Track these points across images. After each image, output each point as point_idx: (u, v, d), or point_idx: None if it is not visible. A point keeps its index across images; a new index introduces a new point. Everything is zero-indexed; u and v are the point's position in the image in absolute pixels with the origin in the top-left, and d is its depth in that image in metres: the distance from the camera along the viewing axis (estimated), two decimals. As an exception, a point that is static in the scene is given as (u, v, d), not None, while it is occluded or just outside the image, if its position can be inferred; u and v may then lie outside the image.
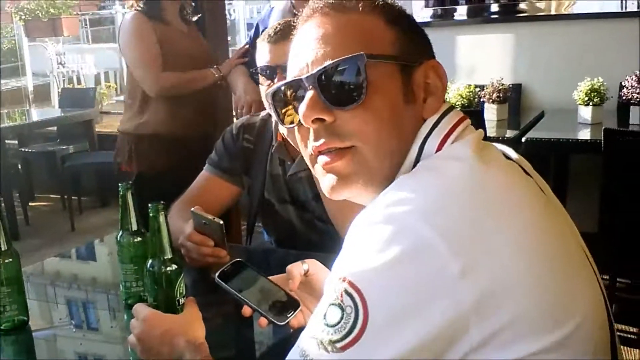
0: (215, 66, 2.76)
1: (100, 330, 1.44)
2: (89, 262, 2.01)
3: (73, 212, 5.18)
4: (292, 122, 0.92)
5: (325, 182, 0.89)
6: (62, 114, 5.73)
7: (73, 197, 5.28)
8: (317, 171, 0.91)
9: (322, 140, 0.86)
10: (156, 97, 2.74)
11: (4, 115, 6.16)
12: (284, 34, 1.64)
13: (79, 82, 8.67)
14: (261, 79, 1.70)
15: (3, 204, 1.30)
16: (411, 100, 0.87)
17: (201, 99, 2.77)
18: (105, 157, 5.37)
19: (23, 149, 5.68)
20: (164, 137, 2.75)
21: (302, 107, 0.86)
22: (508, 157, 0.88)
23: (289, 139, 1.71)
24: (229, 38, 6.54)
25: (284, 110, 0.93)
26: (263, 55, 1.69)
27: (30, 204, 5.69)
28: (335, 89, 0.84)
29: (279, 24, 1.68)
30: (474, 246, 0.71)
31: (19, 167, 5.58)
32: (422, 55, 0.90)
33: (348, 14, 0.88)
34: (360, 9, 0.88)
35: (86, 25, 10.06)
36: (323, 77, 0.85)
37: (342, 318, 0.72)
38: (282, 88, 0.91)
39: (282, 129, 1.64)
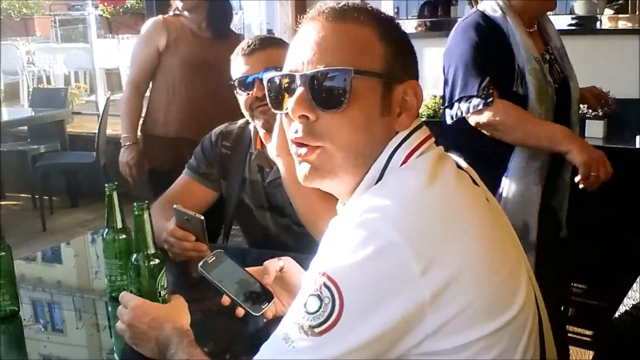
0: None
1: (65, 332, 1.48)
2: (55, 264, 2.04)
3: (44, 212, 5.19)
4: (280, 108, 1.01)
5: (300, 170, 1.00)
6: (34, 114, 5.73)
7: (44, 197, 5.29)
8: (295, 157, 1.01)
9: (299, 135, 0.97)
10: (152, 99, 2.95)
11: (-28, 113, 6.13)
12: (256, 46, 1.76)
13: (48, 81, 8.63)
14: (239, 90, 1.79)
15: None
16: (386, 114, 0.97)
17: (203, 100, 2.85)
18: (77, 158, 5.41)
19: (-7, 148, 5.67)
20: (167, 137, 2.88)
21: (291, 101, 0.95)
22: (460, 167, 1.01)
23: (266, 144, 1.81)
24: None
25: (275, 96, 1.02)
26: (239, 68, 1.78)
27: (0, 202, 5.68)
28: (322, 92, 0.94)
29: (251, 40, 1.79)
30: (433, 248, 0.84)
31: (-12, 165, 5.57)
32: (406, 73, 0.99)
33: (347, 23, 0.96)
34: (360, 20, 0.97)
35: (56, 24, 10.00)
36: (314, 79, 0.94)
37: (320, 307, 0.84)
38: (278, 78, 1.01)
39: (271, 153, 1.73)
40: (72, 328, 1.50)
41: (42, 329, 1.44)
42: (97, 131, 5.05)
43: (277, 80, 1.01)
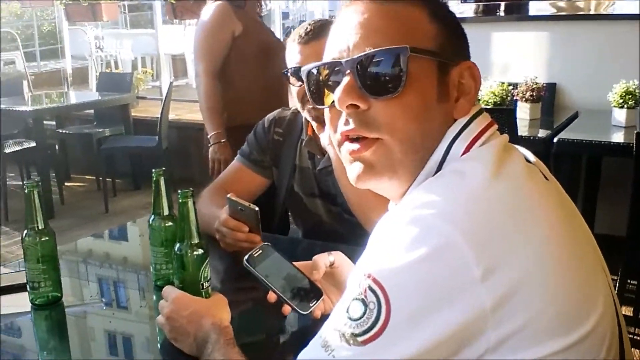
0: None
1: (130, 309, 1.48)
2: (121, 242, 2.08)
3: (107, 194, 5.28)
4: (324, 103, 0.92)
5: (352, 170, 0.90)
6: (100, 98, 5.83)
7: (107, 179, 5.39)
8: (344, 157, 0.91)
9: (351, 126, 0.87)
10: (228, 89, 2.86)
11: (43, 96, 6.31)
12: (314, 34, 1.66)
13: (116, 66, 8.81)
14: (292, 79, 1.71)
15: (40, 184, 1.35)
16: (444, 99, 0.87)
17: (277, 84, 2.80)
18: (140, 142, 5.48)
19: (60, 130, 5.81)
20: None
21: (338, 91, 0.86)
22: (528, 161, 0.89)
23: (318, 134, 1.73)
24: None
25: (317, 90, 0.93)
26: (293, 56, 1.70)
27: (65, 184, 5.82)
28: (373, 77, 0.84)
29: (309, 24, 1.69)
30: (496, 250, 0.73)
31: (56, 147, 5.71)
32: (460, 54, 0.90)
33: (392, 2, 0.88)
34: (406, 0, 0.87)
35: (125, 10, 10.20)
36: (363, 63, 0.85)
37: (364, 313, 0.74)
38: (319, 68, 0.92)
39: (324, 141, 1.65)
40: (136, 306, 1.50)
41: (104, 307, 1.43)
42: (159, 116, 5.08)
43: (317, 72, 0.92)
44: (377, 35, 0.85)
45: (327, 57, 0.91)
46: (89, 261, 1.72)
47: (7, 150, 5.04)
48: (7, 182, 5.25)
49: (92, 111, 6.01)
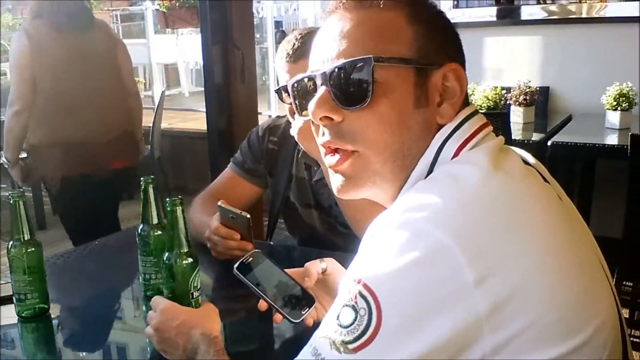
0: None
1: (124, 319, 1.46)
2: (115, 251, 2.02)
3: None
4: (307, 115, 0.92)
5: (334, 181, 0.91)
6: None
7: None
8: (327, 169, 0.92)
9: (327, 138, 0.88)
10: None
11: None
12: (302, 51, 1.61)
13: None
14: (284, 96, 1.66)
15: (26, 195, 1.32)
16: (423, 104, 0.85)
17: (92, 106, 2.88)
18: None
19: (52, 141, 5.75)
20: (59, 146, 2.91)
21: (312, 104, 0.87)
22: (526, 163, 0.87)
23: (300, 143, 1.68)
24: (257, 36, 6.59)
25: (300, 102, 0.93)
26: (283, 75, 1.66)
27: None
28: (345, 89, 0.85)
29: (296, 39, 1.64)
30: (490, 254, 0.71)
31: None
32: (444, 56, 0.87)
33: (369, 9, 0.87)
34: (382, 4, 0.86)
35: (117, 21, 10.18)
36: (334, 76, 0.85)
37: (355, 319, 0.73)
38: (303, 80, 0.92)
39: (293, 131, 1.62)
40: (130, 316, 1.51)
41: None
42: (151, 125, 5.04)
43: (301, 84, 0.92)
44: (349, 46, 0.85)
45: (310, 69, 0.90)
46: (83, 271, 1.70)
47: (-2, 161, 4.99)
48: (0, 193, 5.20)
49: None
